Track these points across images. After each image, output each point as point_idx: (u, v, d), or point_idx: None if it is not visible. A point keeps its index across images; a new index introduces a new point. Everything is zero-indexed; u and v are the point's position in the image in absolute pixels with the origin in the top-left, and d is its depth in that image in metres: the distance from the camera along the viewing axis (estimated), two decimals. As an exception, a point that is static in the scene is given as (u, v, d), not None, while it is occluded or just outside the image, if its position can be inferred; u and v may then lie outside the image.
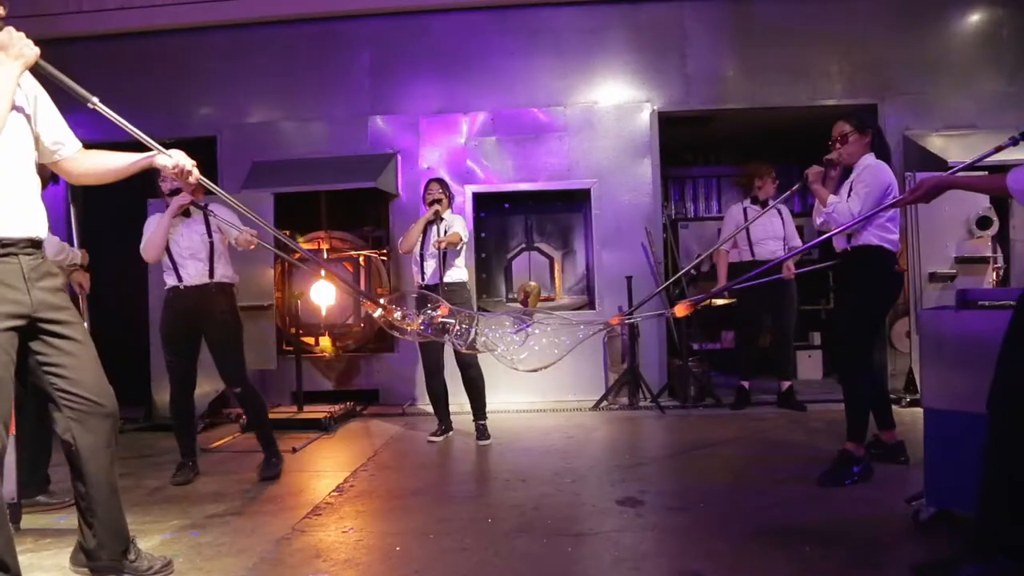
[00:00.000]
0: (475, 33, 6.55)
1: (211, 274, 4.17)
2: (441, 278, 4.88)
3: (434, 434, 5.09)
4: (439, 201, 4.95)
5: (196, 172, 2.64)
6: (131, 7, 6.64)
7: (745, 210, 5.72)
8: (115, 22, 6.68)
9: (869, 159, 3.79)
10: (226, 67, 6.72)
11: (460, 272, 5.05)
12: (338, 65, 6.63)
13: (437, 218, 4.93)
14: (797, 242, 5.80)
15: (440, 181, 5.12)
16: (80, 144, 2.62)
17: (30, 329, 2.37)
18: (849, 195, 3.74)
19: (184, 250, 4.13)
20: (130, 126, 2.55)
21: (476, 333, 3.85)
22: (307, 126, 6.62)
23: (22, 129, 2.40)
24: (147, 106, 6.63)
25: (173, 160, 2.60)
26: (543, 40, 6.51)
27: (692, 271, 7.54)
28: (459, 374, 5.00)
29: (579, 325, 3.53)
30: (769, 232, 5.64)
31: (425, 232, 5.00)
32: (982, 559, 2.35)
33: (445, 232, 4.89)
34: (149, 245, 4.07)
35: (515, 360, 3.81)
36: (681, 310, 3.06)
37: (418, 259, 5.03)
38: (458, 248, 4.97)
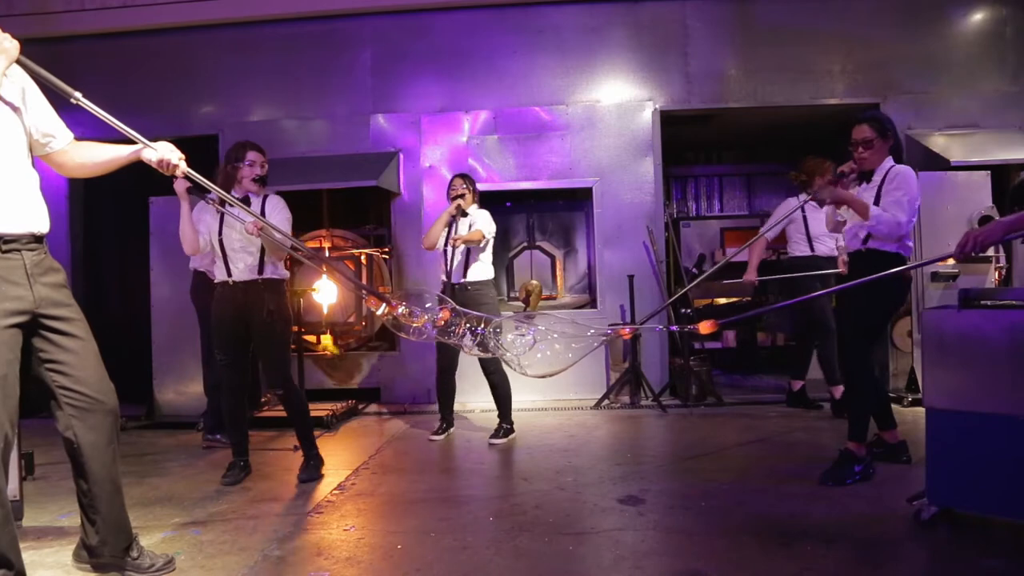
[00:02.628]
0: (477, 32, 6.55)
1: (260, 270, 3.96)
2: (464, 276, 4.85)
3: (435, 432, 5.09)
4: (462, 196, 4.89)
5: (183, 165, 2.59)
6: (133, 5, 6.64)
7: (803, 206, 5.33)
8: (117, 20, 6.67)
9: (889, 163, 3.76)
10: (228, 66, 6.72)
11: (485, 269, 4.95)
12: (340, 64, 6.63)
13: (459, 213, 4.87)
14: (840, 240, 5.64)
15: (464, 176, 5.04)
16: (72, 136, 2.58)
17: (32, 325, 2.37)
18: (877, 201, 3.68)
19: (235, 242, 3.92)
20: (114, 120, 2.49)
21: (484, 336, 3.81)
22: (308, 124, 6.62)
23: (14, 123, 2.37)
24: (149, 105, 6.64)
25: (158, 154, 2.55)
26: (545, 39, 6.50)
27: (694, 270, 7.56)
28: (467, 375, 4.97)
29: (589, 331, 3.46)
30: (823, 228, 5.49)
31: (450, 228, 4.91)
32: None
33: (469, 228, 4.85)
34: (181, 237, 3.96)
35: (523, 365, 3.78)
36: (706, 327, 3.00)
37: (443, 255, 4.92)
38: (481, 245, 4.88)
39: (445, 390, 5.11)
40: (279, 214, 4.04)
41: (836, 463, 3.70)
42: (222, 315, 4.01)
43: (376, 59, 6.60)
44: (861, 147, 3.78)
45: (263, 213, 4.00)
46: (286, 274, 4.20)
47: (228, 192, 3.95)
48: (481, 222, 4.89)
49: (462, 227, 4.90)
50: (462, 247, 4.82)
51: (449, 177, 6.48)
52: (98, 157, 2.59)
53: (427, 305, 3.59)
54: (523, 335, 3.53)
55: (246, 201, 3.97)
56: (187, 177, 2.70)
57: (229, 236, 3.95)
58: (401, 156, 6.56)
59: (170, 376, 5.96)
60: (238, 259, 3.96)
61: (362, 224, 7.17)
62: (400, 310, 3.31)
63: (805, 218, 5.49)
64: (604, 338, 3.50)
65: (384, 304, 3.38)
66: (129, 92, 6.64)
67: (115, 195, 6.00)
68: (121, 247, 6.52)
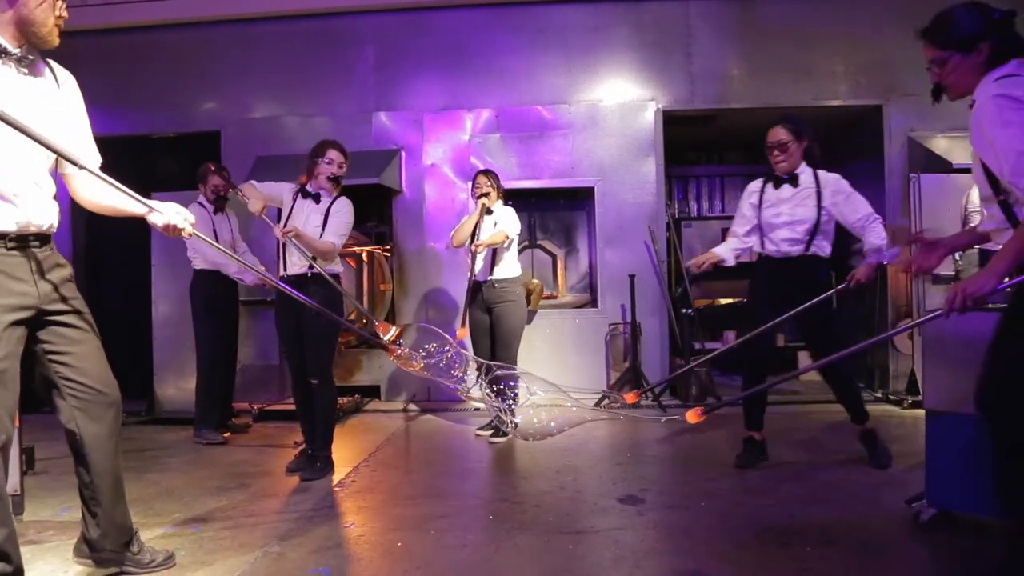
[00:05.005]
0: (480, 30, 6.55)
1: (311, 264, 4.00)
2: (491, 273, 4.82)
3: (483, 428, 5.05)
4: (487, 195, 4.84)
5: (189, 228, 2.54)
6: (136, 0, 6.64)
7: None
8: (120, 16, 6.68)
9: (807, 168, 3.97)
10: (230, 62, 6.72)
11: (511, 268, 4.92)
12: (342, 61, 6.63)
13: (483, 212, 4.82)
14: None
15: (488, 173, 4.99)
16: (95, 167, 2.54)
17: (38, 320, 2.38)
18: (820, 205, 3.90)
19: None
20: (120, 186, 2.46)
21: (480, 387, 3.77)
22: (311, 121, 6.62)
23: (48, 119, 2.38)
24: (151, 101, 6.65)
25: (164, 218, 2.50)
26: (548, 38, 6.50)
27: (696, 271, 7.54)
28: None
29: (588, 409, 3.41)
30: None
31: (476, 227, 4.85)
32: None
33: (495, 226, 4.81)
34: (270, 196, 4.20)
35: (509, 423, 3.75)
36: (693, 416, 2.97)
37: (470, 254, 4.87)
38: (506, 245, 4.85)
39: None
40: (337, 216, 4.12)
41: (876, 445, 3.93)
42: (279, 308, 4.18)
43: (379, 56, 6.60)
44: (777, 150, 3.90)
45: (328, 212, 4.11)
46: (338, 269, 4.24)
47: (304, 185, 4.16)
48: (505, 222, 4.83)
49: (487, 225, 4.84)
50: (474, 252, 4.78)
51: (451, 175, 6.53)
52: (106, 200, 2.56)
53: (434, 347, 3.57)
54: (519, 394, 3.49)
55: (317, 198, 4.12)
56: (195, 235, 2.63)
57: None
58: (403, 154, 6.56)
59: (170, 372, 5.98)
60: (292, 253, 4.07)
61: (364, 222, 7.17)
62: (400, 352, 3.32)
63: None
64: (605, 417, 3.53)
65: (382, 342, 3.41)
66: (132, 88, 6.64)
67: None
68: (123, 243, 6.52)
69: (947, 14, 2.44)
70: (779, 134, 3.89)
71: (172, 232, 2.53)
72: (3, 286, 2.28)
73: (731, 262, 4.25)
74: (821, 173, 3.98)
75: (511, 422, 3.75)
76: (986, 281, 2.21)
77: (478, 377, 3.88)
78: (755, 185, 4.16)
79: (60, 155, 2.33)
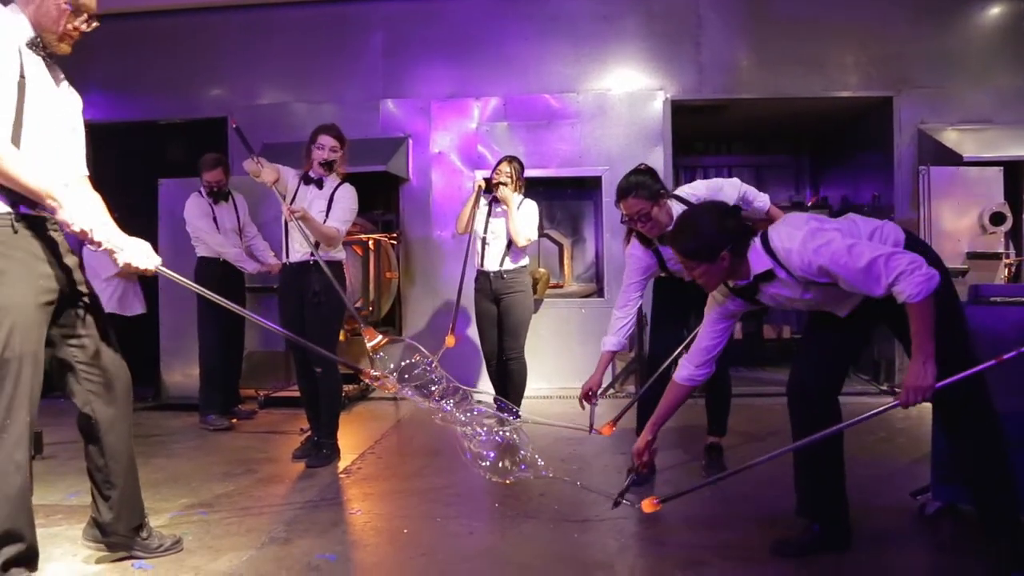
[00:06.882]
0: (488, 17, 6.51)
1: (313, 251, 3.94)
2: (500, 264, 4.69)
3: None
4: (504, 184, 4.59)
5: (152, 267, 2.44)
6: (144, -14, 6.62)
7: None
8: (128, 1, 6.65)
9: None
10: (238, 48, 6.71)
11: (520, 257, 4.78)
12: (351, 48, 6.61)
13: (479, 196, 4.64)
14: None
15: (511, 161, 4.69)
16: (81, 176, 2.58)
17: (60, 303, 2.42)
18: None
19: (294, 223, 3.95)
20: (85, 222, 2.37)
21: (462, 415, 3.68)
22: (318, 108, 6.60)
23: (67, 122, 2.45)
24: (158, 87, 6.63)
25: (123, 256, 2.38)
26: (557, 26, 6.47)
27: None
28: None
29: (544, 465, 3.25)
30: None
31: (489, 212, 4.66)
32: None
33: (519, 207, 4.61)
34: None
35: (479, 460, 3.65)
36: (648, 506, 2.90)
37: (479, 242, 4.73)
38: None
39: (494, 380, 4.93)
40: (341, 203, 4.10)
41: (711, 459, 3.87)
42: (282, 295, 4.19)
43: (387, 44, 6.58)
44: (639, 222, 3.42)
45: (332, 198, 4.09)
46: (341, 256, 4.22)
47: (308, 172, 4.14)
48: (524, 228, 4.60)
49: (510, 210, 4.59)
50: (502, 237, 4.64)
51: (458, 163, 6.52)
52: None
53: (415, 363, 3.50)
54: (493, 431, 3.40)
55: (320, 183, 4.11)
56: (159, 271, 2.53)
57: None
58: (410, 142, 6.54)
59: (178, 358, 6.00)
60: (295, 240, 4.05)
61: (370, 209, 7.15)
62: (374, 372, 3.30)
63: None
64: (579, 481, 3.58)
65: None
66: (139, 73, 6.63)
67: (123, 177, 6.02)
68: (129, 228, 6.56)
69: (689, 227, 2.57)
70: (634, 206, 3.37)
71: (133, 271, 2.46)
72: (33, 268, 2.31)
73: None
74: None
75: (481, 462, 3.57)
76: (927, 372, 2.39)
77: (456, 402, 3.77)
78: (643, 255, 3.61)
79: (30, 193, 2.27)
